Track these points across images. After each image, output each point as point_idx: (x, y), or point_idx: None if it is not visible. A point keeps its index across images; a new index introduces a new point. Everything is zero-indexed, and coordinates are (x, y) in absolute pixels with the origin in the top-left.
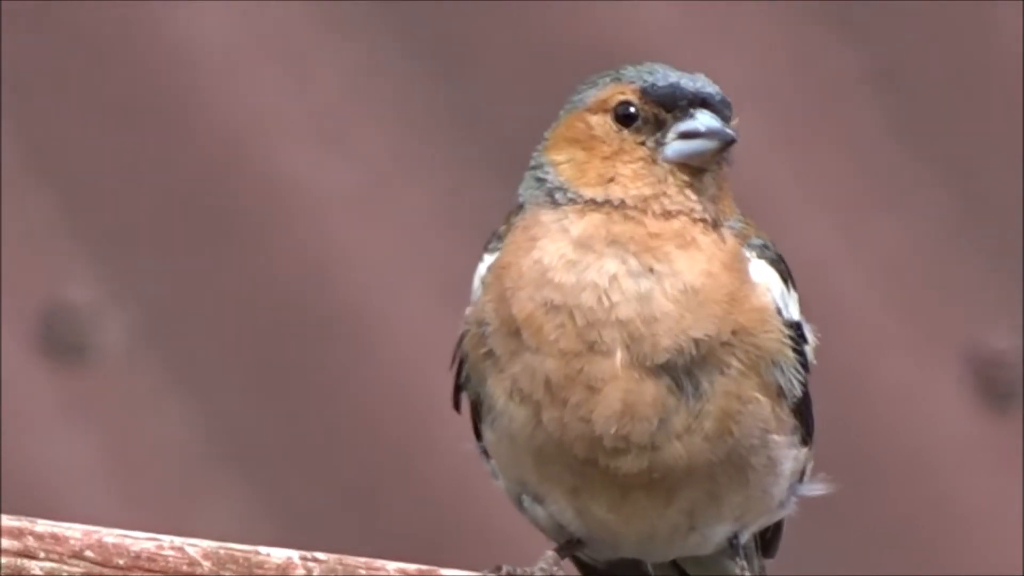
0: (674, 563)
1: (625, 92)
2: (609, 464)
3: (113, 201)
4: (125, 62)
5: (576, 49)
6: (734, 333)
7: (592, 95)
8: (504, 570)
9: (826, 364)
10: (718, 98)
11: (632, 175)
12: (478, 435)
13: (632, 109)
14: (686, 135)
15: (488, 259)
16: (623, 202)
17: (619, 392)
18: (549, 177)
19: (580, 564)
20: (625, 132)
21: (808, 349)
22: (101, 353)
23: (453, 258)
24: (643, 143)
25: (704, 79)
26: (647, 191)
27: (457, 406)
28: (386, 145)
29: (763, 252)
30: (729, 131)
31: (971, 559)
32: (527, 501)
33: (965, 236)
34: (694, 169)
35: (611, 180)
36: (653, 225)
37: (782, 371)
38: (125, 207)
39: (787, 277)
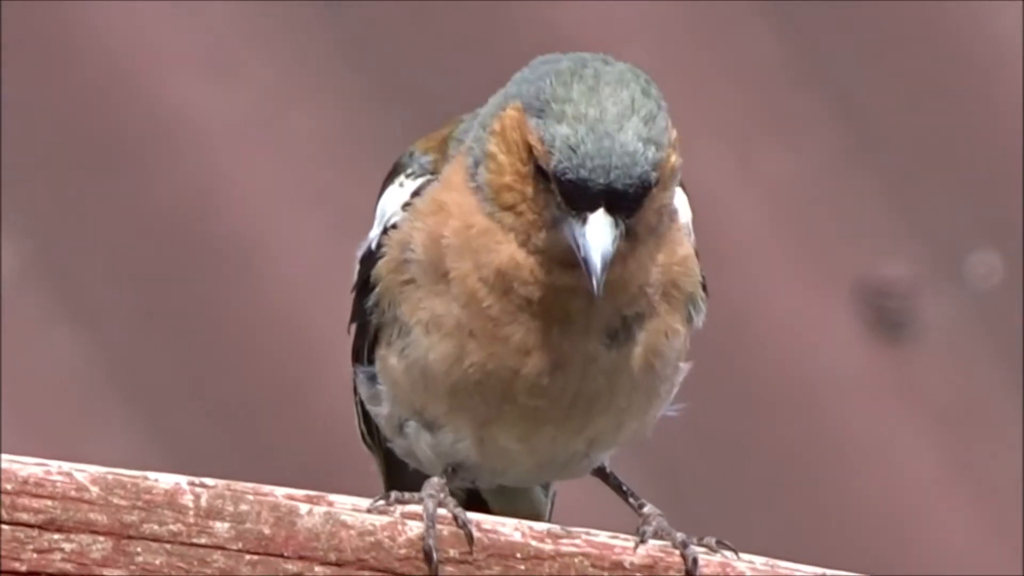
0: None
1: (540, 153)
2: (530, 403)
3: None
4: None
5: None
6: (664, 289)
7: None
8: (393, 497)
9: (717, 294)
10: (628, 196)
11: (531, 222)
12: (364, 358)
13: (544, 171)
14: (574, 241)
15: (409, 184)
16: (523, 238)
17: (551, 354)
18: (480, 170)
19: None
20: (538, 177)
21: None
22: None
23: (340, 188)
24: (545, 202)
25: (624, 153)
26: (538, 240)
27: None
28: (274, 74)
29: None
30: (597, 271)
31: (859, 489)
32: (412, 427)
33: (857, 166)
34: None
35: (519, 214)
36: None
37: (694, 303)
38: (12, 137)
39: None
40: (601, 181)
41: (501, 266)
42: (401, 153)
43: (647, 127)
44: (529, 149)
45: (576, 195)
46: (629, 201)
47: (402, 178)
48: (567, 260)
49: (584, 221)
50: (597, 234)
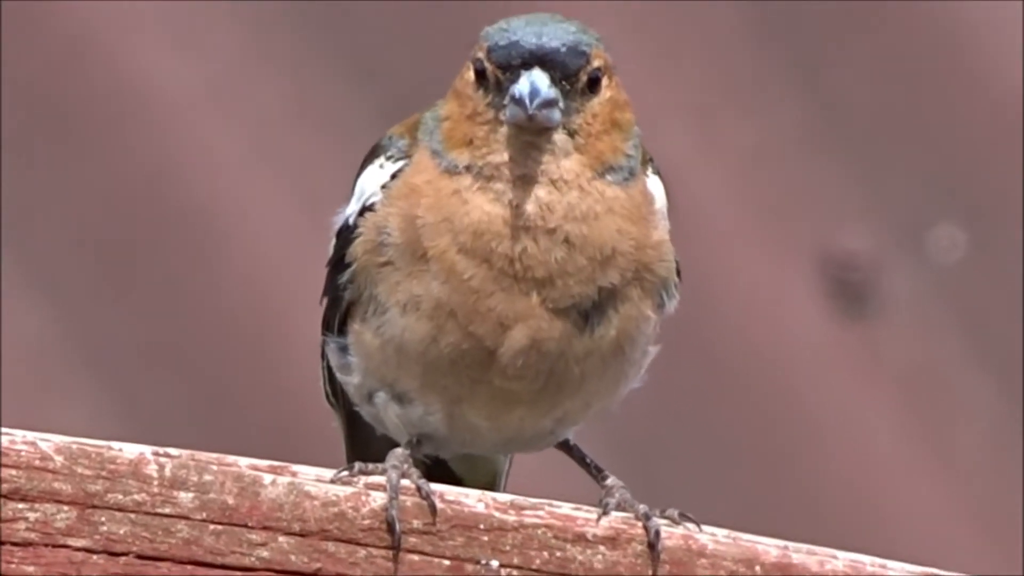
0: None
1: (481, 49)
2: (503, 385)
3: None
4: None
5: None
6: (637, 271)
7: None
8: (357, 467)
9: (681, 266)
10: (560, 52)
11: (484, 138)
12: (334, 329)
13: (482, 68)
14: (512, 99)
15: (389, 166)
16: (481, 170)
17: (529, 330)
18: (434, 136)
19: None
20: (480, 91)
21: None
22: None
23: (305, 156)
24: (490, 104)
25: (554, 30)
26: (495, 158)
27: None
28: (240, 44)
29: (654, 165)
30: (528, 107)
31: (822, 462)
32: (381, 398)
33: (819, 139)
34: (539, 129)
35: (471, 142)
36: (530, 203)
37: (667, 289)
38: None
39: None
40: (532, 40)
41: (474, 224)
42: (380, 136)
43: (576, 25)
44: (469, 72)
45: (508, 56)
46: (563, 61)
47: (382, 159)
48: (530, 132)
49: (517, 78)
50: (529, 78)
